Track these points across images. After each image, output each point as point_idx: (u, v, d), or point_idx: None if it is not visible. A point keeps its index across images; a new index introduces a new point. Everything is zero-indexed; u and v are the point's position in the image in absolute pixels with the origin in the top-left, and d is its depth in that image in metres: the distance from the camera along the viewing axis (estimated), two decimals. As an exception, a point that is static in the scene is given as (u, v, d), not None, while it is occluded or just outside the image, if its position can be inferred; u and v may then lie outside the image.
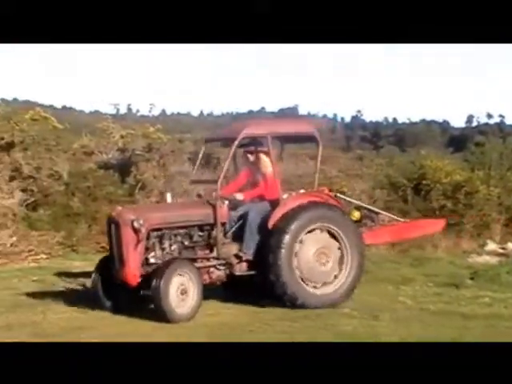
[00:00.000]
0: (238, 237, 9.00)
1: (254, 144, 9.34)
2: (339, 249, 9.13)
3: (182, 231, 8.85)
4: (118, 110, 19.26)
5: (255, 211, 9.07)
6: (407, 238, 10.60)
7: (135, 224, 8.48)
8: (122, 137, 16.14)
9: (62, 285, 10.45)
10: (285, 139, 9.63)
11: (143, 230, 8.51)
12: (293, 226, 8.85)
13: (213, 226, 8.89)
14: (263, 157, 9.32)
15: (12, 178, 14.43)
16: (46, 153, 14.76)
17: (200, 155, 9.93)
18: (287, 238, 8.80)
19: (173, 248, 8.80)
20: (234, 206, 9.07)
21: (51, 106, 24.70)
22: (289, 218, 8.89)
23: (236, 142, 8.95)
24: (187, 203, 9.91)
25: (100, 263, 9.02)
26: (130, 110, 19.08)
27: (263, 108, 62.24)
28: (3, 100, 16.09)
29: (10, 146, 14.44)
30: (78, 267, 11.76)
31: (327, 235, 9.12)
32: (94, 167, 15.66)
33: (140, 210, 9.05)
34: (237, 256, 8.92)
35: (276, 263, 8.73)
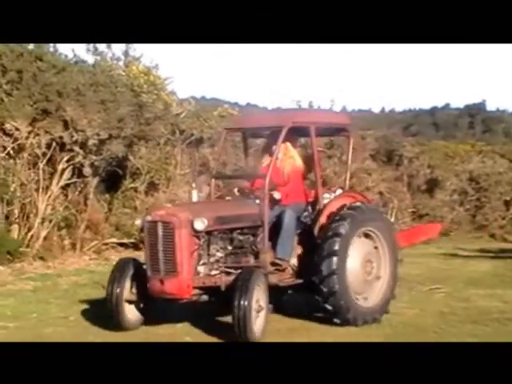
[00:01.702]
0: (272, 242, 7.90)
1: (278, 134, 7.99)
2: (378, 254, 8.23)
3: (226, 235, 7.73)
4: (299, 106, 19.32)
5: (291, 213, 7.99)
6: (415, 242, 9.84)
7: (198, 225, 7.33)
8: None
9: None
10: (321, 130, 8.45)
11: (204, 233, 7.41)
12: (343, 230, 7.81)
13: (257, 228, 7.79)
14: (292, 148, 8.29)
15: (200, 173, 15.04)
16: (232, 148, 15.24)
17: (220, 145, 8.91)
18: (340, 243, 7.78)
19: (219, 255, 7.65)
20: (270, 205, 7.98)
21: (236, 104, 25.40)
22: (337, 220, 7.88)
23: (284, 132, 7.87)
24: (232, 202, 8.42)
25: (122, 270, 7.71)
26: (311, 106, 19.25)
27: (448, 104, 60.43)
28: (193, 98, 16.73)
29: (199, 142, 15.07)
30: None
31: (367, 240, 8.19)
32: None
33: (194, 209, 7.64)
34: (274, 264, 7.84)
35: (330, 272, 7.71)
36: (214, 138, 15.21)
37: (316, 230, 7.99)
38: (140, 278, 7.58)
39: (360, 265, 8.01)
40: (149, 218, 7.47)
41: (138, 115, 13.29)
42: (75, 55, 13.54)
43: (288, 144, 8.21)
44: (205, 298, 7.48)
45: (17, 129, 12.03)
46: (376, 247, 8.21)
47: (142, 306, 7.69)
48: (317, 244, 7.85)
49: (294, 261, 8.00)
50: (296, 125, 8.00)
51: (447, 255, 14.06)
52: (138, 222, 7.72)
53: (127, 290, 7.63)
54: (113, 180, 13.77)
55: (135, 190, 14.02)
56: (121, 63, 14.17)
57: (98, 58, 13.77)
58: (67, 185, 12.89)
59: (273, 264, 7.81)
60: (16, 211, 12.27)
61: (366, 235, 8.15)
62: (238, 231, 7.75)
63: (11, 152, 12.20)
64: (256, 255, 7.77)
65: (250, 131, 8.82)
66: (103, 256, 12.72)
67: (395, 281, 8.33)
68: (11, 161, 12.24)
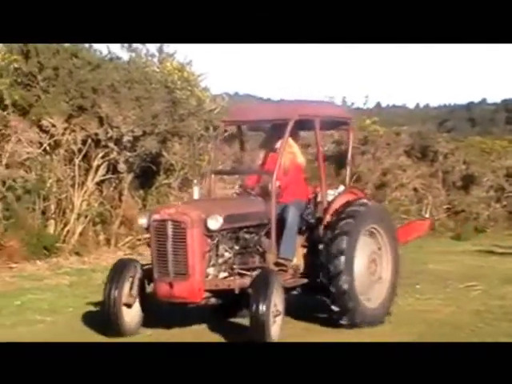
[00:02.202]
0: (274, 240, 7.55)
1: (281, 127, 7.63)
2: (380, 253, 7.95)
3: (233, 234, 7.38)
4: (333, 102, 19.35)
5: (294, 210, 7.65)
6: (408, 240, 9.33)
7: (212, 224, 6.99)
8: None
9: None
10: (323, 124, 8.00)
11: (218, 231, 7.04)
12: (351, 228, 7.52)
13: (262, 227, 7.47)
14: (293, 143, 7.89)
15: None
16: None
17: (219, 138, 8.61)
18: (347, 241, 7.49)
19: (227, 255, 7.30)
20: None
21: (269, 99, 25.48)
22: (344, 218, 7.58)
23: (290, 125, 7.49)
24: (238, 199, 8.07)
25: (120, 271, 7.25)
26: (344, 102, 19.28)
27: (484, 99, 59.76)
28: (226, 94, 16.82)
29: (232, 138, 15.14)
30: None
31: (371, 238, 7.90)
32: (311, 159, 15.98)
33: (205, 207, 7.23)
34: (277, 264, 7.47)
35: (338, 272, 7.42)
36: (248, 134, 15.31)
37: (321, 229, 7.67)
38: (140, 281, 7.28)
39: (365, 265, 7.75)
40: (157, 216, 7.08)
41: (172, 112, 13.42)
42: (110, 52, 13.74)
43: (289, 139, 7.74)
44: (213, 301, 7.18)
45: (53, 125, 12.25)
46: (379, 246, 7.95)
47: (141, 309, 7.31)
48: (322, 243, 7.56)
49: (296, 260, 7.70)
50: (302, 118, 7.64)
51: (483, 252, 13.98)
52: (144, 220, 7.27)
53: (126, 293, 7.21)
54: (147, 176, 13.93)
55: (169, 185, 14.15)
56: (155, 60, 14.31)
57: (133, 54, 13.93)
58: (102, 181, 13.08)
59: (276, 264, 7.47)
60: (52, 207, 12.49)
61: (370, 234, 7.88)
62: (245, 230, 7.43)
63: (48, 148, 12.42)
64: (261, 255, 7.49)
65: (249, 124, 8.50)
66: (137, 251, 12.87)
67: (397, 280, 8.09)
68: (48, 157, 12.46)
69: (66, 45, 12.70)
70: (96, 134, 12.56)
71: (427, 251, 13.55)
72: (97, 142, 12.72)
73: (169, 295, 7.01)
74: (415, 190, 17.16)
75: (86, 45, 13.18)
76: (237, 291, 6.97)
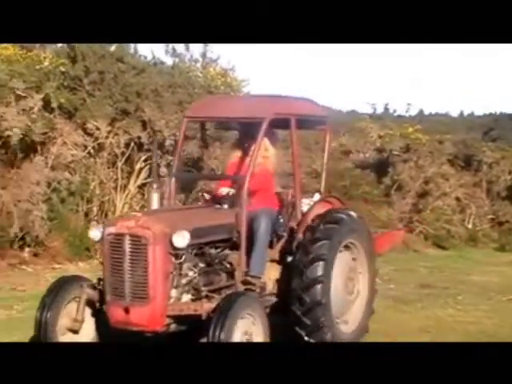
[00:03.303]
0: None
1: (254, 126, 6.95)
2: (355, 266, 7.42)
3: (198, 250, 6.57)
4: (374, 109, 19.52)
5: (265, 220, 6.91)
6: (381, 251, 8.72)
7: (178, 241, 6.20)
8: (379, 137, 16.52)
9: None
10: (299, 123, 7.28)
11: (185, 249, 6.27)
12: (326, 251, 6.86)
13: (231, 241, 6.77)
14: (270, 146, 7.21)
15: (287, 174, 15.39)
16: (305, 151, 15.56)
17: (181, 136, 7.46)
18: (323, 268, 6.82)
19: (191, 274, 6.49)
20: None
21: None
22: (319, 239, 6.90)
23: (265, 124, 6.79)
24: (204, 209, 7.23)
25: (58, 291, 6.48)
26: (386, 109, 19.41)
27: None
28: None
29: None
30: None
31: (347, 253, 7.34)
32: (351, 166, 16.21)
33: (169, 220, 6.46)
34: (245, 282, 6.78)
35: (314, 303, 6.78)
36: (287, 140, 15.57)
37: (294, 245, 7.01)
38: (87, 302, 6.52)
39: (343, 286, 7.18)
40: (112, 229, 6.28)
41: (214, 116, 13.71)
42: (154, 57, 14.13)
43: (265, 140, 7.09)
44: (174, 328, 6.38)
45: (97, 128, 12.65)
46: (354, 257, 7.42)
47: (94, 334, 6.63)
48: (294, 267, 6.88)
49: (263, 278, 6.99)
50: (278, 116, 6.95)
51: (526, 264, 13.99)
52: (96, 232, 6.49)
53: (69, 317, 6.47)
54: (188, 180, 14.25)
55: (210, 190, 14.45)
56: (198, 65, 14.65)
57: (177, 59, 14.30)
58: (144, 184, 13.45)
59: (244, 282, 6.75)
60: (95, 209, 12.88)
61: (346, 247, 7.30)
62: (212, 245, 6.67)
63: (92, 151, 12.84)
64: (229, 273, 6.77)
65: (216, 121, 7.87)
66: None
67: (374, 295, 7.58)
68: (91, 159, 12.88)
69: (112, 49, 13.12)
70: (139, 138, 12.93)
71: (470, 262, 13.60)
72: (139, 146, 13.10)
73: (124, 322, 6.20)
74: (458, 199, 17.21)
75: (131, 50, 13.61)
76: (204, 317, 6.15)
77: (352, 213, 7.34)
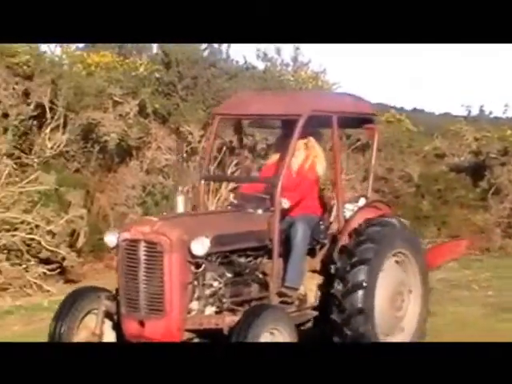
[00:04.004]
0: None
1: (292, 125, 6.46)
2: (408, 283, 6.90)
3: (225, 259, 6.13)
4: (469, 111, 19.22)
5: (303, 227, 6.47)
6: (439, 263, 8.28)
7: (196, 249, 5.76)
8: (475, 139, 16.31)
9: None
10: (342, 121, 6.82)
11: (204, 257, 5.83)
12: (372, 255, 6.39)
13: (263, 249, 6.33)
14: (317, 146, 6.79)
15: (365, 178, 15.44)
16: (398, 154, 15.52)
17: (212, 135, 7.06)
18: (367, 272, 6.35)
19: (216, 285, 6.01)
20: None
21: (402, 108, 25.51)
22: (364, 241, 6.47)
23: (302, 122, 6.33)
24: (232, 214, 6.72)
25: (70, 304, 6.04)
26: (482, 111, 19.02)
27: None
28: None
29: (365, 148, 15.47)
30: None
31: (396, 264, 6.82)
32: (446, 170, 16.06)
33: (188, 225, 6.02)
34: (281, 294, 6.35)
35: (355, 310, 6.32)
36: (380, 144, 15.58)
37: (336, 253, 6.55)
38: (106, 314, 6.11)
39: (389, 299, 6.68)
40: (127, 235, 5.88)
41: (306, 120, 13.91)
42: (246, 62, 14.43)
43: (311, 139, 6.75)
44: (196, 341, 5.97)
45: (190, 133, 13.00)
46: (406, 275, 6.91)
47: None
48: (336, 272, 6.46)
49: (303, 289, 6.59)
50: (316, 113, 6.48)
51: None
52: (111, 238, 6.07)
53: (87, 330, 6.05)
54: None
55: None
56: (289, 69, 14.87)
57: (268, 64, 14.55)
58: (235, 188, 13.71)
59: (280, 294, 6.34)
60: (188, 212, 13.25)
61: (396, 260, 6.83)
62: (240, 253, 6.23)
63: (185, 155, 13.19)
64: (261, 284, 6.35)
65: (250, 119, 7.32)
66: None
67: (427, 316, 7.04)
68: (184, 164, 13.24)
69: (205, 55, 13.50)
70: (231, 142, 13.21)
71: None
72: (231, 150, 13.38)
73: (139, 336, 5.79)
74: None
75: (224, 55, 13.94)
76: (226, 332, 5.70)
77: (395, 220, 6.83)
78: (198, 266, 5.85)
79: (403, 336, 6.82)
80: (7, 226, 9.98)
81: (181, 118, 13.00)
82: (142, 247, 5.80)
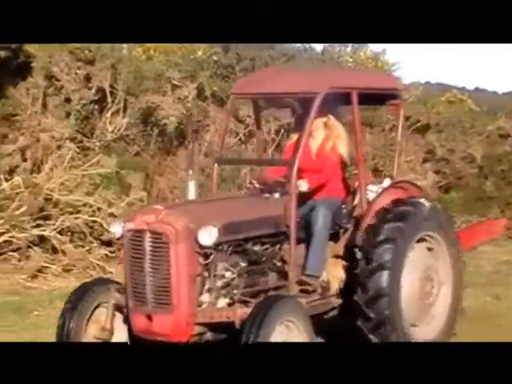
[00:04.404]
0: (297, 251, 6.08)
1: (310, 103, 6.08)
2: (438, 268, 6.58)
3: (238, 248, 5.80)
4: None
5: (325, 212, 6.18)
6: (474, 244, 7.80)
7: (204, 238, 5.46)
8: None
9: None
10: (363, 98, 6.42)
11: (212, 247, 5.52)
12: (398, 234, 6.12)
13: (280, 236, 6.02)
14: (338, 124, 6.47)
15: (425, 160, 15.34)
16: (460, 135, 15.36)
17: (226, 116, 7.00)
18: (393, 252, 6.07)
19: (229, 275, 5.71)
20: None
21: (463, 88, 25.20)
22: (389, 221, 6.19)
23: (319, 99, 6.01)
24: (246, 199, 6.44)
25: (79, 297, 5.82)
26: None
27: None
28: (417, 83, 17.01)
29: (425, 129, 15.36)
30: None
31: (424, 248, 6.52)
32: (510, 150, 15.83)
33: (196, 213, 5.73)
34: (301, 283, 6.08)
35: (380, 292, 6.03)
36: (442, 125, 15.44)
37: (358, 236, 6.26)
38: (117, 307, 5.86)
39: (417, 284, 6.39)
40: (131, 225, 5.62)
41: (365, 101, 13.91)
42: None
43: (331, 118, 6.43)
44: (209, 337, 5.67)
45: (248, 116, 13.10)
46: (436, 259, 6.58)
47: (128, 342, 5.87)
48: (359, 252, 6.18)
49: (325, 275, 6.30)
50: (335, 90, 6.17)
51: None
52: (116, 228, 5.84)
53: (97, 324, 5.82)
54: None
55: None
56: (348, 49, 14.85)
57: (326, 45, 14.57)
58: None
59: (300, 283, 6.07)
60: (247, 195, 13.38)
61: (423, 241, 6.52)
62: (255, 241, 5.90)
63: (242, 138, 13.31)
64: (279, 272, 6.05)
65: (265, 98, 6.93)
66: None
67: (459, 304, 6.71)
68: (242, 146, 13.35)
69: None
70: (289, 124, 13.27)
71: None
72: (289, 132, 13.44)
73: (147, 331, 5.56)
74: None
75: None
76: (237, 326, 5.39)
77: (424, 201, 6.46)
78: (206, 256, 5.56)
79: (429, 330, 6.49)
80: (70, 209, 10.25)
81: (239, 101, 13.10)
82: (147, 238, 5.53)
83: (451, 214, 6.97)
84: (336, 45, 14.54)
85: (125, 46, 12.78)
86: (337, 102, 6.38)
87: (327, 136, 6.46)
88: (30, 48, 10.91)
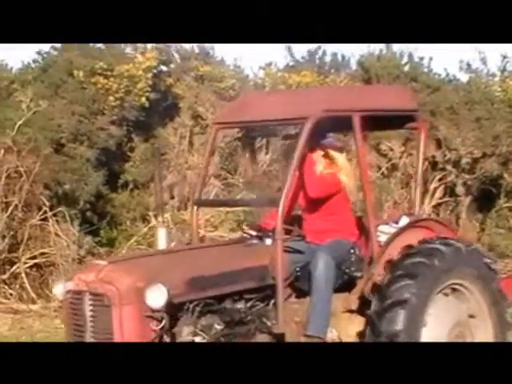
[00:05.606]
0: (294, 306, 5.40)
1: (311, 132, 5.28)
2: (473, 323, 5.58)
3: (214, 307, 5.06)
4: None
5: (325, 259, 5.31)
6: None
7: (152, 299, 4.71)
8: None
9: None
10: (371, 121, 5.55)
11: (164, 310, 4.73)
12: (410, 295, 5.11)
13: (269, 290, 5.21)
14: (338, 154, 5.62)
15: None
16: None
17: (208, 149, 5.82)
18: (405, 317, 5.11)
19: (202, 341, 4.96)
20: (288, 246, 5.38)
21: None
22: (400, 277, 5.22)
23: (309, 125, 5.16)
24: (227, 247, 5.76)
25: None
26: None
27: None
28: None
29: None
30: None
31: (453, 297, 5.53)
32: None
33: (149, 267, 5.03)
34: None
35: (393, 338, 5.17)
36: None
37: (367, 289, 5.37)
38: None
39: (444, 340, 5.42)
40: (70, 285, 4.95)
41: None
42: (448, 74, 14.48)
43: (329, 150, 5.65)
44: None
45: (391, 149, 13.29)
46: (470, 313, 5.62)
47: None
48: (368, 314, 5.32)
49: (332, 334, 5.42)
50: (330, 114, 5.31)
51: None
52: (59, 290, 5.12)
53: None
54: (486, 199, 14.34)
55: (510, 209, 14.41)
56: (497, 79, 14.67)
57: (473, 75, 14.47)
58: (439, 204, 13.80)
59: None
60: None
61: (453, 290, 5.55)
62: (235, 297, 5.16)
63: (385, 171, 13.49)
64: (273, 334, 5.26)
65: (251, 127, 6.04)
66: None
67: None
68: (385, 180, 13.54)
69: (406, 70, 13.73)
70: (433, 157, 13.33)
71: None
72: (434, 165, 13.49)
73: None
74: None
75: (425, 69, 14.09)
76: None
77: (456, 242, 5.49)
78: (161, 319, 4.82)
79: None
80: (213, 245, 10.76)
81: (382, 135, 13.29)
82: (87, 300, 4.86)
83: (495, 259, 6.09)
84: (483, 74, 14.42)
85: (268, 83, 13.30)
86: (335, 128, 5.69)
87: (328, 164, 5.66)
88: (178, 90, 11.59)
